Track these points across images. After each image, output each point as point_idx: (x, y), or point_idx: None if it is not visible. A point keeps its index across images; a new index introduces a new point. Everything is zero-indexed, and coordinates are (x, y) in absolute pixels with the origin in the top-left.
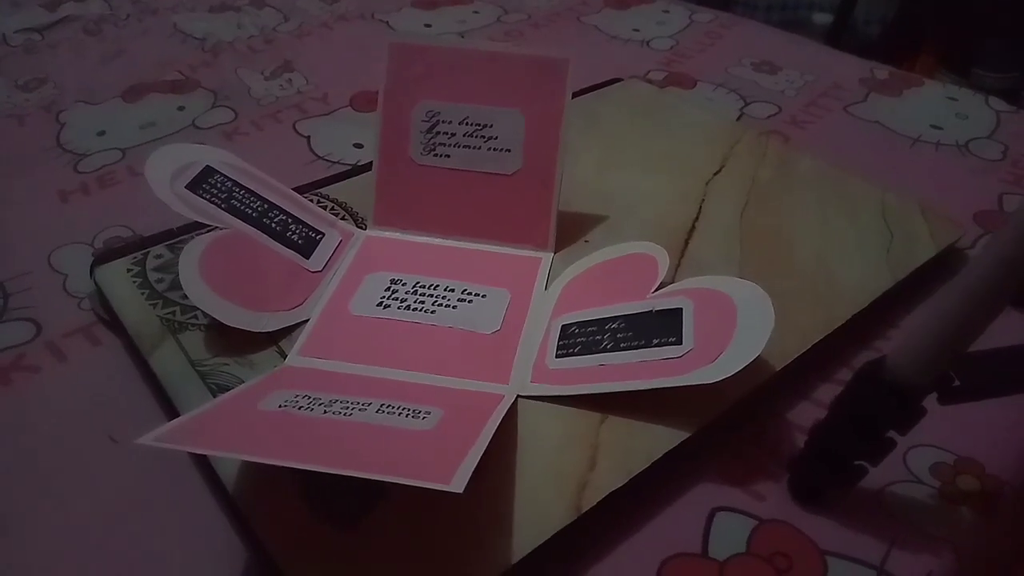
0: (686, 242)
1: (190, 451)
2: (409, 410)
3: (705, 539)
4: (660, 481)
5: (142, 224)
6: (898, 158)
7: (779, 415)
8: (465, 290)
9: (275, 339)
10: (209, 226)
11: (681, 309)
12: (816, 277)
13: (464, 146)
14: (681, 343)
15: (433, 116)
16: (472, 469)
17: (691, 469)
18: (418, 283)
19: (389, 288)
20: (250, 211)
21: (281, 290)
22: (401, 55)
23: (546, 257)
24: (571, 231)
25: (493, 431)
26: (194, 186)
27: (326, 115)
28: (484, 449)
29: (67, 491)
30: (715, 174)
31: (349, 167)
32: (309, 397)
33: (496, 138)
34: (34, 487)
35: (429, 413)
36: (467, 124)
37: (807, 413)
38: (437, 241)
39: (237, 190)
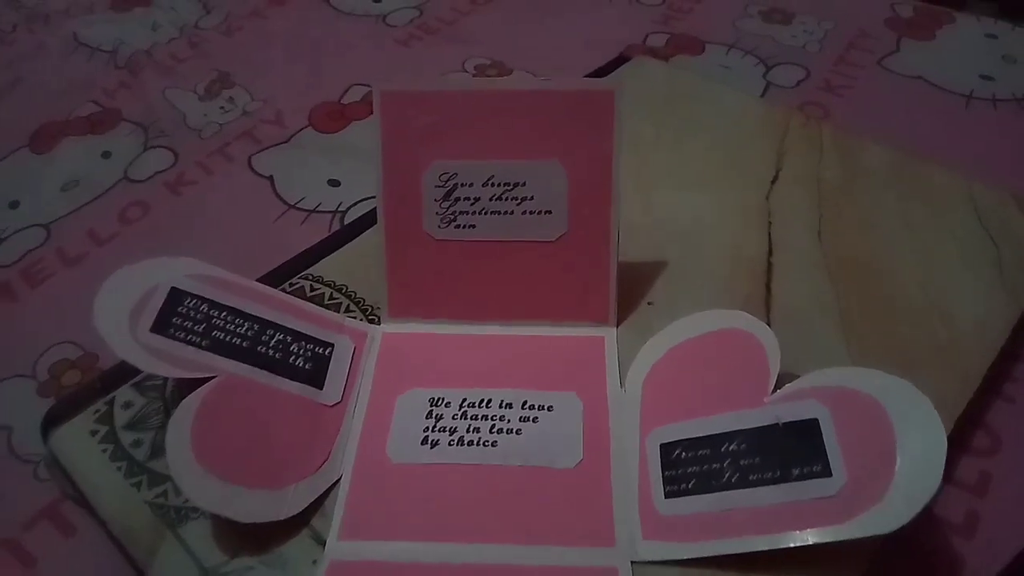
0: (767, 286)
1: None
2: None
3: None
4: None
5: (93, 332)
6: (957, 122)
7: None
8: (525, 402)
9: (306, 517)
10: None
11: (816, 421)
12: (930, 319)
13: (492, 212)
14: (830, 473)
15: (449, 179)
16: None
17: None
18: (465, 400)
19: (430, 413)
20: (239, 340)
21: (300, 446)
22: (397, 106)
23: (609, 335)
24: (626, 288)
25: None
26: (162, 325)
27: (285, 143)
28: None
29: None
30: (773, 182)
31: (330, 216)
32: None
33: (532, 198)
34: None
35: None
36: (493, 185)
37: (955, 501)
38: (472, 329)
39: (216, 314)
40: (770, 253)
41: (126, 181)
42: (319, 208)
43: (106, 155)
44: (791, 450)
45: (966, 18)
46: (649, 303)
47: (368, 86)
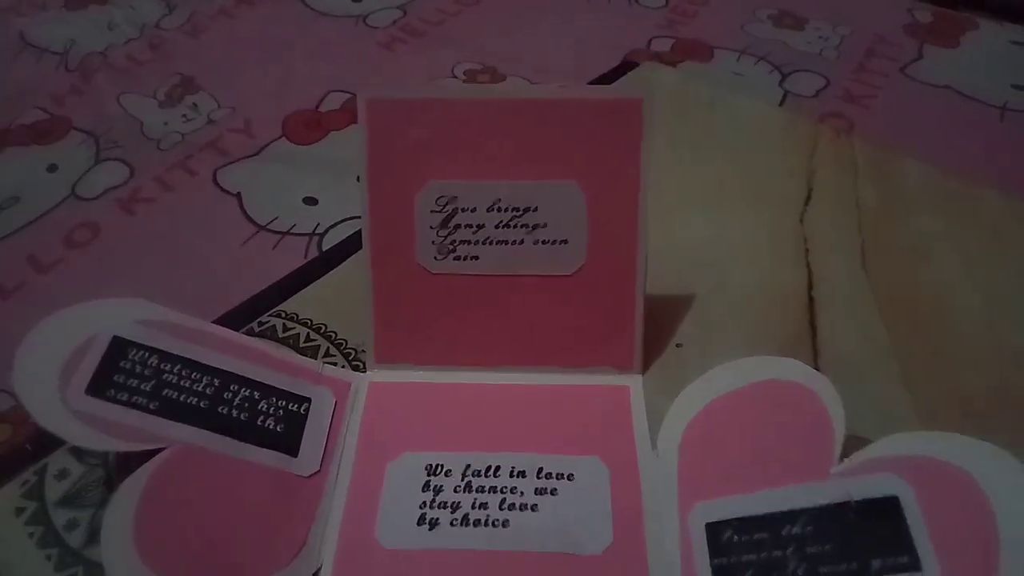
0: (812, 326)
1: None
2: None
3: None
4: None
5: None
6: (992, 136)
7: None
8: (541, 470)
9: None
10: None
11: (896, 499)
12: (1001, 361)
13: (499, 241)
14: (919, 567)
15: (448, 202)
16: None
17: None
18: (469, 467)
19: (428, 484)
20: (195, 400)
21: (270, 532)
22: (386, 117)
23: (635, 384)
24: (651, 328)
25: None
26: (101, 384)
27: (255, 156)
28: None
29: None
30: (806, 203)
31: (306, 239)
32: None
33: (545, 225)
34: None
35: None
36: (499, 210)
37: None
38: (475, 377)
39: (169, 367)
40: (810, 286)
41: (73, 198)
42: (293, 230)
43: (52, 168)
44: (869, 536)
45: (989, 24)
46: (678, 344)
47: (348, 93)
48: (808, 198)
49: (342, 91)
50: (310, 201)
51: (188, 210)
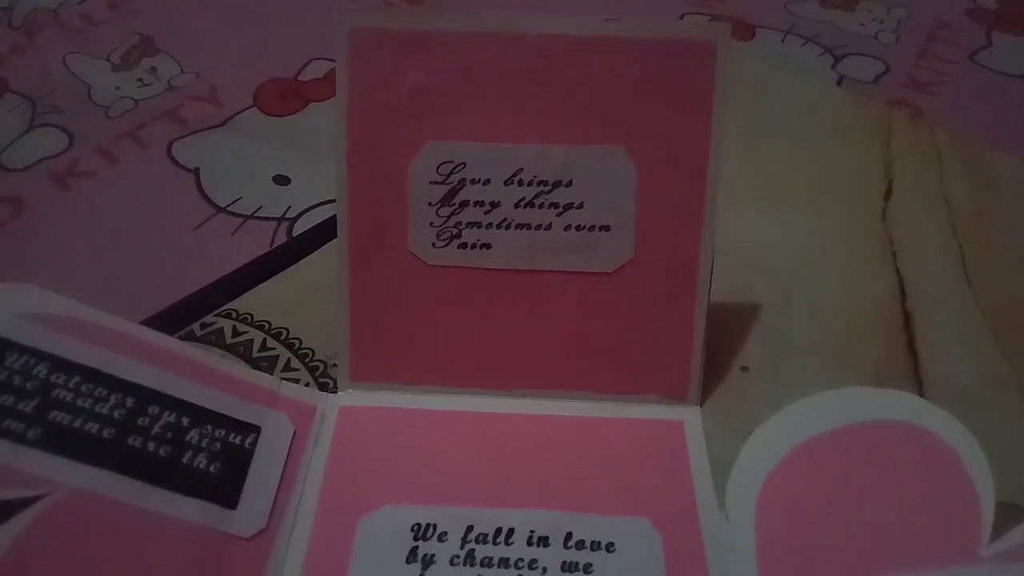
0: (910, 346)
1: None
2: None
3: None
4: None
5: None
6: None
7: None
8: (570, 536)
9: None
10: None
11: None
12: None
13: (519, 225)
14: None
15: (453, 172)
16: None
17: None
18: (472, 529)
19: (414, 552)
20: (96, 427)
21: None
22: (375, 54)
23: (691, 419)
24: (711, 347)
25: None
26: None
27: (220, 127)
28: None
29: None
30: (886, 198)
31: (274, 224)
32: None
33: (581, 205)
34: None
35: None
36: (521, 183)
37: None
38: (482, 403)
39: (61, 379)
40: (903, 298)
41: None
42: (259, 213)
43: None
44: None
45: None
46: (743, 368)
47: (333, 61)
48: (888, 192)
49: (326, 59)
50: (281, 180)
51: (134, 187)
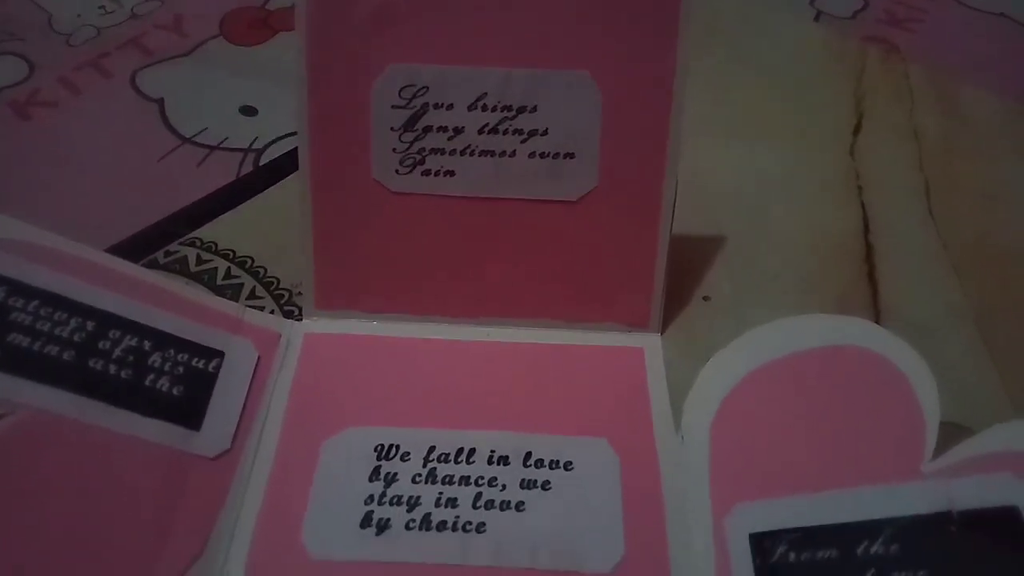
0: (871, 277)
1: None
2: None
3: None
4: None
5: None
6: None
7: None
8: (530, 455)
9: None
10: None
11: (1016, 510)
12: None
13: (483, 152)
14: None
15: (416, 96)
16: None
17: None
18: (434, 450)
19: (377, 471)
20: (56, 349)
21: (156, 534)
22: None
23: (651, 345)
24: (674, 276)
25: None
26: None
27: (185, 56)
28: None
29: None
30: (855, 133)
31: (240, 155)
32: None
33: (545, 132)
34: None
35: None
36: (485, 108)
37: None
38: (445, 331)
39: (20, 303)
40: (866, 230)
41: None
42: (225, 144)
43: None
44: (977, 559)
45: None
46: (705, 298)
47: None
48: (857, 127)
49: None
50: (248, 111)
51: (97, 117)
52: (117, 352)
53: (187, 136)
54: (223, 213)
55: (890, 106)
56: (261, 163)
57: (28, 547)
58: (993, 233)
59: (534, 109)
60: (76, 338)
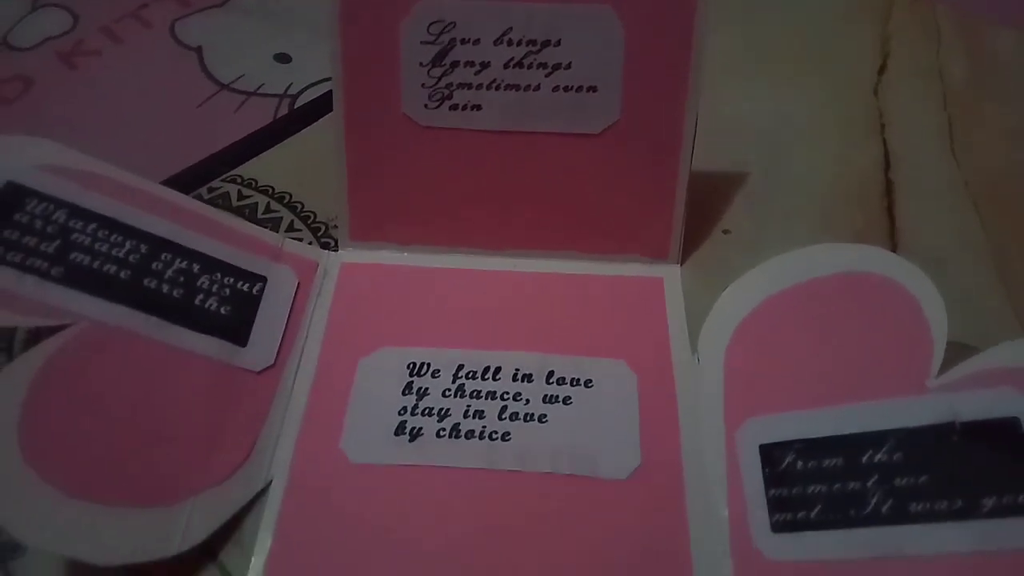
0: (889, 213)
1: None
2: None
3: None
4: None
5: None
6: None
7: None
8: (552, 373)
9: (212, 550)
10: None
11: (1016, 421)
12: None
13: (508, 86)
14: None
15: (444, 32)
16: None
17: None
18: (462, 368)
19: (410, 386)
20: (113, 268)
21: (205, 439)
22: None
23: (671, 275)
24: (694, 210)
25: None
26: None
27: (219, 6)
28: None
29: None
30: (880, 73)
31: (276, 100)
32: None
33: (569, 66)
34: None
35: None
36: (511, 43)
37: None
38: (473, 262)
39: (79, 225)
40: (887, 167)
41: (5, 48)
42: (261, 90)
43: None
44: (977, 466)
45: None
46: (725, 231)
47: None
48: (882, 68)
49: None
50: (283, 58)
51: (139, 65)
52: (169, 273)
53: (225, 83)
54: (262, 152)
55: (916, 47)
56: (296, 107)
57: (90, 448)
58: (1015, 170)
59: (558, 43)
60: (131, 259)
